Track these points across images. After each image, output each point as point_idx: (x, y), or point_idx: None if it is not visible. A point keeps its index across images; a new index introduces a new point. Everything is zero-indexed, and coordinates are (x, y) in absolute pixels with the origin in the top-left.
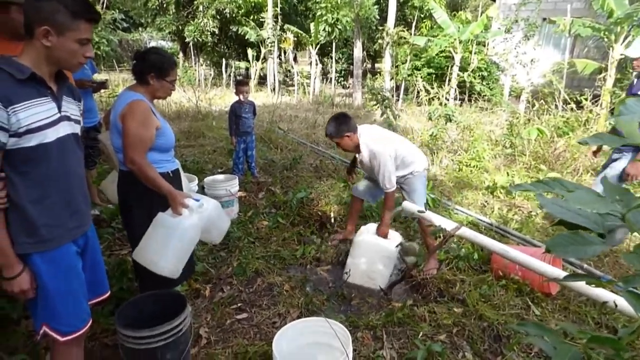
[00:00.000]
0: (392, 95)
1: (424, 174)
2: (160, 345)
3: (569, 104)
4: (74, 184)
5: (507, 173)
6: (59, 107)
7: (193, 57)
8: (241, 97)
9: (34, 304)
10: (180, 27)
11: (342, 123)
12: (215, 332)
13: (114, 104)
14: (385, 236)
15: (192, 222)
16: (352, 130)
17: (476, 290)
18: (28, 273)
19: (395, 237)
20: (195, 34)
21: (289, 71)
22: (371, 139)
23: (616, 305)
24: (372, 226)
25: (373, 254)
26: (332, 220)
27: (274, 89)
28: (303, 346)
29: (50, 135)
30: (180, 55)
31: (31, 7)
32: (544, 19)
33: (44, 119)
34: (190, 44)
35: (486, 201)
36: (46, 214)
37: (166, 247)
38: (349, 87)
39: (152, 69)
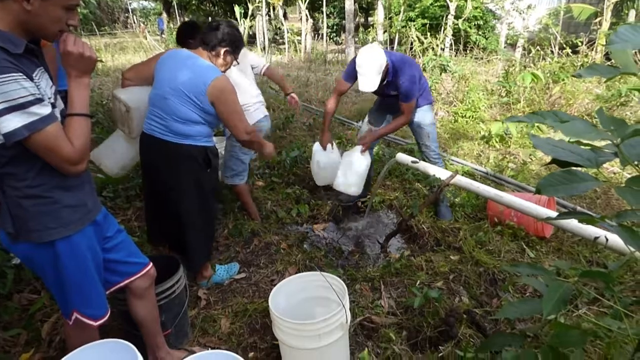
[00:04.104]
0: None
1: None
2: None
3: (565, 49)
4: None
5: (502, 122)
6: (52, 79)
7: (177, 18)
8: None
9: (60, 291)
10: None
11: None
12: (214, 294)
13: (182, 70)
14: None
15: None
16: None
17: (472, 238)
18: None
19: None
20: None
21: (279, 28)
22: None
23: (607, 240)
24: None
25: None
26: None
27: (264, 47)
28: (300, 301)
29: (58, 114)
30: (164, 15)
31: None
32: None
33: (51, 96)
34: (174, 3)
35: (482, 151)
36: (72, 196)
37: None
38: (341, 42)
39: (230, 45)
